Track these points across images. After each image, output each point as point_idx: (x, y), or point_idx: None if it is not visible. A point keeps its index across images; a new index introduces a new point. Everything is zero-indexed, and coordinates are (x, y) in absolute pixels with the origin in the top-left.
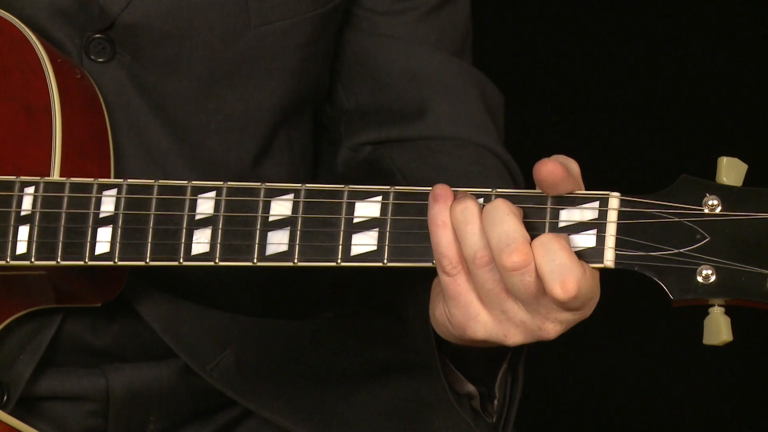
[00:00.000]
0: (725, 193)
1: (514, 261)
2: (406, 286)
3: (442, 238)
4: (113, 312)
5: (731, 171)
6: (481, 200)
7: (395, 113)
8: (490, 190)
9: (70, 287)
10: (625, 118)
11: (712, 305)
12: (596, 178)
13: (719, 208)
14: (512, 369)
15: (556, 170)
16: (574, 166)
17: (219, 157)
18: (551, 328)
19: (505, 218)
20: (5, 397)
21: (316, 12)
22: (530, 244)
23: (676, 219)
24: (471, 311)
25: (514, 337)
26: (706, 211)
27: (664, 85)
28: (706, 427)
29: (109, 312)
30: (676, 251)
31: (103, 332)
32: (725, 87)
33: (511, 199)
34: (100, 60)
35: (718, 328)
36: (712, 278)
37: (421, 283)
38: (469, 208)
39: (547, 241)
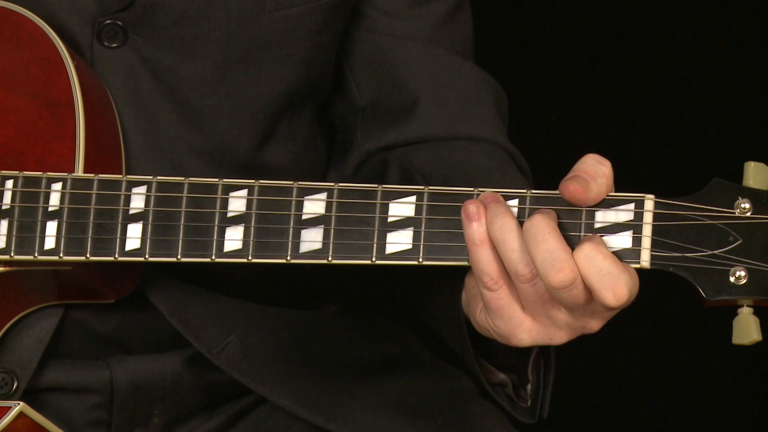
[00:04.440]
0: (756, 197)
1: (561, 280)
2: (428, 284)
3: (482, 256)
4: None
5: (758, 175)
6: (515, 201)
7: (411, 111)
8: (525, 191)
9: (87, 283)
10: (653, 121)
11: (741, 305)
12: (626, 180)
13: (750, 212)
14: (544, 352)
15: (576, 191)
16: (605, 169)
17: (229, 141)
18: (595, 324)
19: (547, 236)
20: (15, 385)
21: (327, 0)
22: (573, 257)
23: (709, 221)
24: (516, 321)
25: (560, 338)
26: (738, 213)
27: (682, 87)
28: (729, 425)
29: None
30: (710, 252)
31: (107, 318)
32: (744, 88)
33: (547, 200)
34: (113, 45)
35: (748, 328)
36: (744, 279)
37: (444, 280)
38: (506, 225)
39: (590, 252)
